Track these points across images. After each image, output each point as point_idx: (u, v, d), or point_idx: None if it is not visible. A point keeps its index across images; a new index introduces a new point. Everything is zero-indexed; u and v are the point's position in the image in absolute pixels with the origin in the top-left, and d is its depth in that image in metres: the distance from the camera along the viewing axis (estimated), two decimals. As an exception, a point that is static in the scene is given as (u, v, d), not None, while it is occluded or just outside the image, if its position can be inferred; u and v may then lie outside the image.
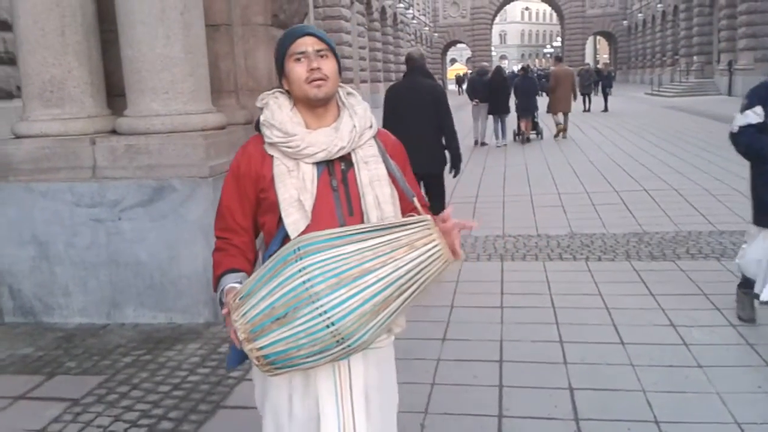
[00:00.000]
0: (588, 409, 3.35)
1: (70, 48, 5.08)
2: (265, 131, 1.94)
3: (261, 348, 1.70)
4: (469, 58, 68.85)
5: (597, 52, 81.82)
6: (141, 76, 4.94)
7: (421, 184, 5.55)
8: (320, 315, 1.64)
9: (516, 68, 21.56)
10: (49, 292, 4.98)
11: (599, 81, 26.42)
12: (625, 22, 62.11)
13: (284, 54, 1.94)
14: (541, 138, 16.89)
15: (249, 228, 2.02)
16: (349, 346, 1.70)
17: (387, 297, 1.68)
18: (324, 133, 1.92)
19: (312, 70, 1.88)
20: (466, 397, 3.53)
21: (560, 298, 4.96)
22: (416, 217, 1.81)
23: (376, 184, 1.94)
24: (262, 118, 1.96)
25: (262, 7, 5.87)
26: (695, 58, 36.37)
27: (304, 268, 1.66)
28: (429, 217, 1.79)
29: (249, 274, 1.95)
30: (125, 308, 4.88)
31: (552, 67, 18.67)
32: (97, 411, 3.57)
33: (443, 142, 5.99)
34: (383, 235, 1.72)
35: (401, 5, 42.79)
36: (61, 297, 4.97)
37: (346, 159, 1.95)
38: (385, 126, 6.89)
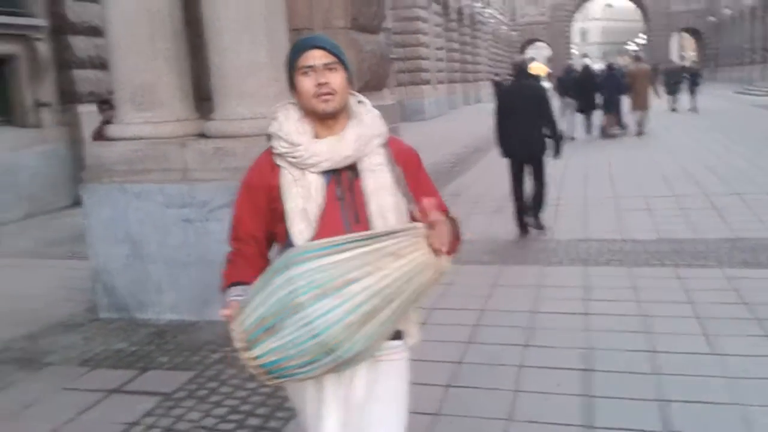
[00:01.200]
0: (681, 422, 3.22)
1: (160, 54, 5.26)
2: (273, 142, 1.96)
3: (257, 357, 1.71)
4: (549, 57, 67.59)
5: (682, 49, 78.91)
6: (228, 81, 5.08)
7: (525, 168, 7.30)
8: (305, 325, 1.64)
9: (601, 66, 21.24)
10: (142, 289, 5.18)
11: (686, 79, 25.40)
12: (712, 18, 59.60)
13: (293, 66, 1.94)
14: (625, 134, 16.65)
15: (261, 238, 2.03)
16: (339, 356, 1.68)
17: (374, 307, 1.67)
18: (328, 142, 1.92)
19: (319, 84, 1.89)
20: (551, 405, 3.46)
21: (648, 305, 4.79)
22: (408, 225, 1.81)
23: (381, 192, 1.93)
24: (270, 129, 1.98)
25: (342, 11, 5.94)
26: (788, 54, 34.52)
27: (290, 277, 1.67)
28: (419, 225, 1.77)
29: None
30: (214, 306, 4.96)
31: (630, 66, 18.86)
32: (188, 406, 3.68)
33: (544, 132, 7.17)
34: (371, 244, 1.71)
35: (478, 5, 42.41)
36: (154, 294, 5.16)
37: (353, 168, 1.95)
38: (497, 119, 7.34)
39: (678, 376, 3.70)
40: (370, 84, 6.38)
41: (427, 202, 1.81)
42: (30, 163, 10.43)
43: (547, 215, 7.69)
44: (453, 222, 1.90)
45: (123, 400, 3.84)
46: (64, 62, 11.23)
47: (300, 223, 1.89)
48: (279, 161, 1.96)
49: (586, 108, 16.09)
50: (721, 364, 3.81)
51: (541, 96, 7.23)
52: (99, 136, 8.43)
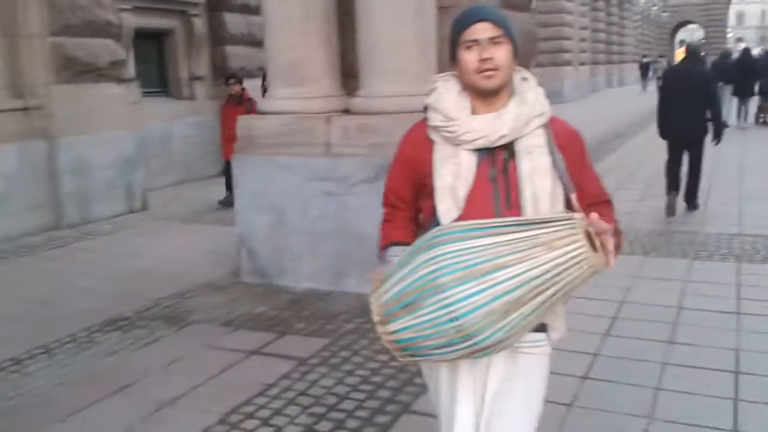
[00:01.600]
0: None
1: (312, 31, 5.40)
2: (430, 114, 1.89)
3: (393, 332, 1.68)
4: (702, 40, 63.40)
5: None
6: (374, 58, 5.14)
7: (685, 151, 7.43)
8: (444, 307, 1.58)
9: (759, 51, 19.70)
10: (282, 257, 5.41)
11: None
12: None
13: (456, 40, 1.83)
14: None
15: (412, 205, 1.99)
16: (475, 344, 1.61)
17: (519, 297, 1.57)
18: (486, 119, 1.82)
19: (483, 60, 1.77)
20: (696, 406, 3.28)
21: (811, 309, 4.42)
22: (564, 215, 1.68)
23: (537, 177, 1.81)
24: (428, 101, 1.90)
25: (491, -12, 5.83)
26: None
27: (435, 257, 1.61)
28: (579, 215, 1.64)
29: None
30: (349, 277, 5.15)
31: None
32: (321, 372, 3.81)
33: (706, 116, 7.30)
34: (523, 231, 1.60)
35: (629, -17, 40.42)
36: (293, 262, 5.37)
37: (510, 148, 1.83)
38: (661, 99, 7.49)
39: (843, 389, 3.39)
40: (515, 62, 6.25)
41: (594, 216, 1.67)
42: (183, 132, 11.11)
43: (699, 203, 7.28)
44: (618, 232, 1.79)
45: (262, 361, 4.03)
46: (218, 38, 11.82)
47: (447, 202, 1.82)
48: (433, 135, 1.88)
49: (743, 93, 15.44)
50: None
51: (707, 80, 7.47)
52: (226, 110, 8.81)
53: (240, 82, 9.02)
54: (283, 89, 5.53)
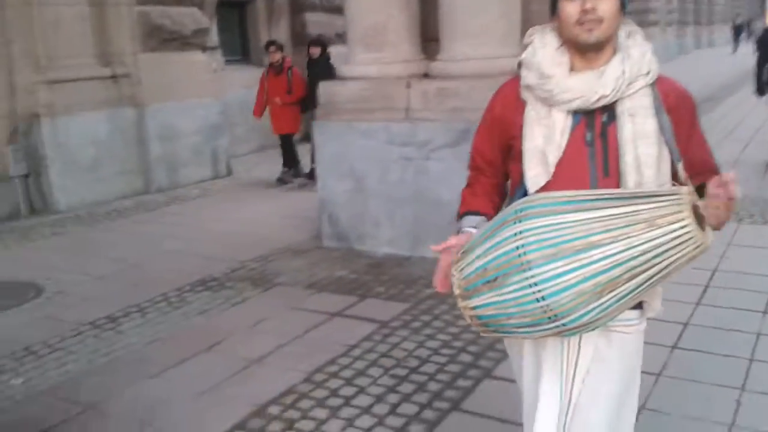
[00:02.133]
0: None
1: (392, -5, 5.35)
2: (523, 72, 1.75)
3: (474, 308, 1.60)
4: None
5: None
6: (455, 19, 5.06)
7: None
8: (530, 286, 1.48)
9: None
10: (361, 222, 5.45)
11: None
12: None
13: None
14: None
15: (499, 169, 1.87)
16: (564, 324, 1.51)
17: (614, 278, 1.45)
18: (585, 78, 1.66)
19: (585, 11, 1.61)
20: (793, 379, 3.15)
21: None
22: (668, 188, 1.54)
23: (641, 142, 1.65)
24: (523, 56, 1.76)
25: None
26: None
27: (520, 232, 1.50)
28: (685, 189, 1.49)
29: (494, 215, 1.80)
30: (427, 243, 5.10)
31: None
32: (402, 335, 3.85)
33: None
34: (621, 206, 1.47)
35: (722, -63, 38.18)
36: (372, 227, 5.41)
37: (611, 110, 1.68)
38: (758, 59, 7.42)
39: None
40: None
41: (727, 176, 1.48)
42: (263, 100, 11.26)
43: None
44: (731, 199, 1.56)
45: (344, 323, 4.10)
46: (298, 5, 11.88)
47: (536, 167, 1.69)
48: (525, 94, 1.75)
49: None
50: None
51: None
52: (266, 81, 8.39)
53: (280, 49, 8.52)
54: (363, 54, 5.52)
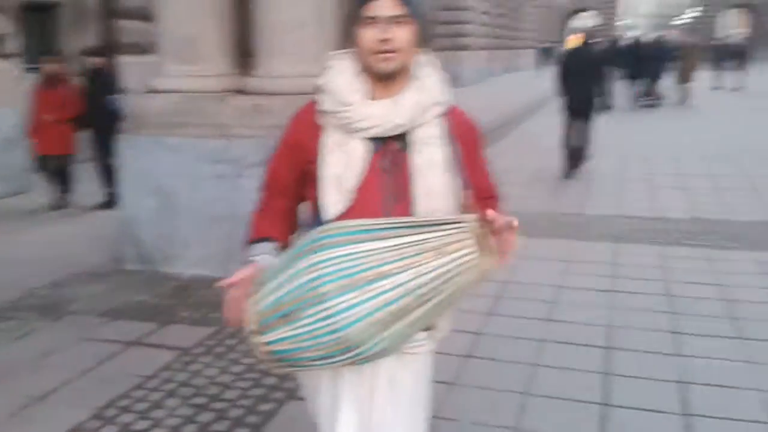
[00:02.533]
0: (700, 405, 3.20)
1: (206, 7, 5.25)
2: (321, 97, 1.75)
3: (268, 343, 1.58)
4: (595, 27, 66.00)
5: (735, 26, 76.36)
6: (270, 37, 5.07)
7: (578, 119, 8.76)
8: (325, 318, 1.49)
9: (650, 38, 22.20)
10: (168, 243, 5.25)
11: (734, 56, 24.66)
12: (770, -8, 57.39)
13: (356, 15, 1.70)
14: (661, 104, 17.80)
15: (293, 195, 1.86)
16: (357, 354, 1.54)
17: (404, 307, 1.49)
18: (382, 105, 1.69)
19: (382, 40, 1.64)
20: (570, 381, 3.45)
21: (677, 286, 4.73)
22: (456, 217, 1.60)
23: (431, 170, 1.70)
24: (319, 81, 1.75)
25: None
26: None
27: (316, 263, 1.51)
28: (471, 217, 1.56)
29: (284, 244, 1.83)
30: (240, 263, 5.06)
31: (679, 39, 21.25)
32: (205, 362, 3.72)
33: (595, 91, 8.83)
34: (412, 235, 1.51)
35: (527, -30, 41.50)
36: (180, 248, 5.22)
37: (405, 138, 1.72)
38: (562, 77, 8.53)
39: (700, 359, 3.66)
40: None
41: (491, 213, 1.58)
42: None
43: (580, 189, 7.65)
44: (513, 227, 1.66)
45: (142, 352, 3.89)
46: (109, 11, 11.28)
47: (334, 194, 1.69)
48: (323, 119, 1.74)
49: (632, 77, 17.47)
50: (744, 349, 3.75)
51: (601, 60, 9.47)
52: (39, 95, 7.40)
53: (60, 60, 7.71)
54: (175, 66, 5.36)
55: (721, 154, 10.29)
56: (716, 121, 14.43)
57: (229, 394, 3.37)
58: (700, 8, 64.73)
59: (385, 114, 1.68)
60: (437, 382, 3.25)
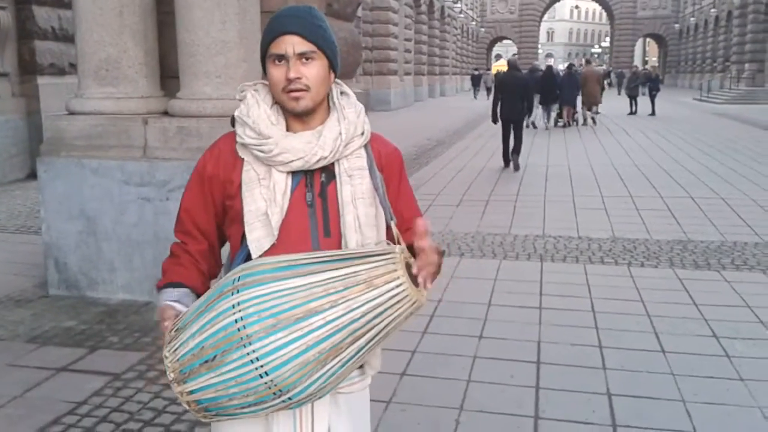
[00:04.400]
0: (626, 416, 3.31)
1: (127, 28, 5.16)
2: (238, 129, 1.67)
3: (191, 392, 1.48)
4: (514, 55, 68.23)
5: (646, 55, 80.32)
6: (195, 59, 5.00)
7: (511, 127, 11.88)
8: (252, 362, 1.40)
9: (562, 67, 24.75)
10: (94, 267, 5.09)
11: (646, 83, 26.01)
12: (676, 25, 60.82)
13: (264, 50, 1.64)
14: (578, 125, 20.50)
15: (211, 234, 1.76)
16: (290, 398, 1.46)
17: (336, 344, 1.42)
18: (303, 138, 1.63)
19: (289, 80, 1.59)
20: (502, 396, 3.52)
21: (601, 302, 4.90)
22: (383, 248, 1.52)
23: (360, 202, 1.65)
24: (237, 113, 1.68)
25: (317, -5, 5.89)
26: (747, 65, 35.51)
27: (238, 303, 1.42)
28: (398, 248, 1.50)
29: (201, 288, 1.72)
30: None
31: (582, 68, 23.16)
32: (137, 387, 3.63)
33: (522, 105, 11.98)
34: (340, 268, 1.45)
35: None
36: (106, 272, 5.07)
37: (329, 170, 1.67)
38: (495, 95, 12.07)
39: (624, 372, 3.79)
40: (340, 72, 6.35)
41: (421, 222, 1.52)
42: (-17, 133, 10.15)
43: (505, 211, 7.87)
44: (439, 252, 1.61)
45: (71, 379, 3.77)
46: (27, 32, 10.93)
47: (259, 230, 1.61)
48: (243, 152, 1.67)
49: (546, 101, 19.47)
50: (667, 362, 3.91)
51: (525, 82, 12.25)
52: None
53: None
54: (96, 88, 5.23)
55: (637, 175, 10.79)
56: (633, 146, 15.10)
57: (163, 419, 3.29)
58: (613, 37, 67.89)
59: (307, 146, 1.62)
60: (374, 400, 3.33)
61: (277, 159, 1.62)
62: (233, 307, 1.42)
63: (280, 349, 1.39)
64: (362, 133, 1.70)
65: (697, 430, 3.17)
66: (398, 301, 1.45)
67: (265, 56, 1.63)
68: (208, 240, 1.77)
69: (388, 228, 1.69)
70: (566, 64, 24.67)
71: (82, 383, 3.69)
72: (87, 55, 5.24)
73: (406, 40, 31.91)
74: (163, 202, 4.92)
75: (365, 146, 1.72)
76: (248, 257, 1.64)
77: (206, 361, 1.44)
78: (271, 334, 1.39)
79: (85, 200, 5.06)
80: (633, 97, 24.65)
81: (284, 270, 1.45)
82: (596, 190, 9.63)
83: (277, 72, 1.61)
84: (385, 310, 1.44)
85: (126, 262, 5.03)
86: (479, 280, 5.45)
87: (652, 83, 24.93)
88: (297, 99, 1.61)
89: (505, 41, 74.21)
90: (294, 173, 1.64)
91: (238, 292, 1.43)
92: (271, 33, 1.62)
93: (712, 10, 46.24)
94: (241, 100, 1.70)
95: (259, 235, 1.61)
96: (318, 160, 1.63)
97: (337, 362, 1.44)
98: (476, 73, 42.65)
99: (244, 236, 1.64)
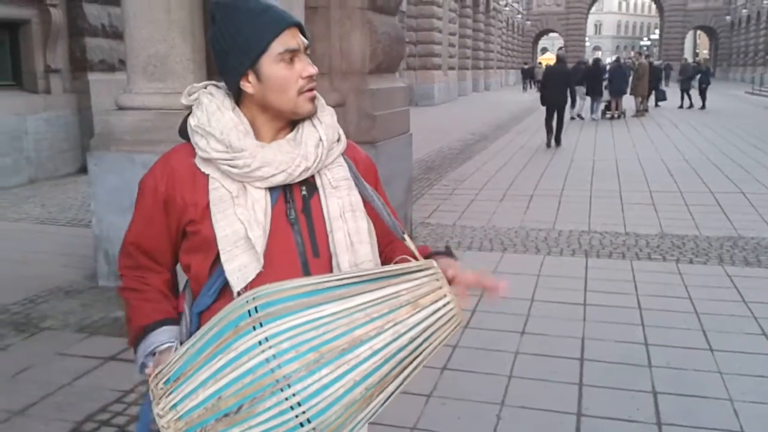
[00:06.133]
0: (671, 414, 3.25)
1: (175, 24, 5.25)
2: (199, 141, 1.41)
3: None
4: (560, 48, 67.36)
5: (697, 47, 78.40)
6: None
7: (555, 113, 13.96)
8: (292, 408, 1.15)
9: (611, 60, 25.92)
10: (142, 260, 5.19)
11: (696, 76, 25.39)
12: (728, 17, 59.21)
13: (262, 47, 1.38)
14: (624, 117, 20.63)
15: (169, 263, 1.52)
16: None
17: (384, 376, 1.20)
18: (281, 148, 1.41)
19: (310, 76, 1.40)
20: (544, 392, 3.49)
21: (647, 299, 4.81)
22: (418, 263, 1.32)
23: (350, 216, 1.45)
24: (192, 122, 1.43)
25: (361, -10, 5.91)
26: (802, 57, 34.43)
27: (266, 339, 1.16)
28: (434, 263, 1.31)
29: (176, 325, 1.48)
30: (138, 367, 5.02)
31: (636, 61, 23.61)
32: (183, 375, 3.71)
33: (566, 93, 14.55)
34: (377, 289, 1.24)
35: (494, -8, 42.28)
36: (154, 264, 5.17)
37: (309, 182, 1.46)
38: (543, 85, 14.88)
39: (671, 370, 3.72)
40: (383, 66, 6.37)
41: (457, 266, 1.37)
42: (37, 128, 10.44)
43: (550, 206, 7.83)
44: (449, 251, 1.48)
45: (119, 367, 3.86)
46: (77, 29, 11.21)
47: (241, 257, 1.37)
48: (206, 168, 1.42)
49: (593, 93, 19.89)
50: (715, 360, 3.83)
51: (568, 74, 14.72)
52: None
53: None
54: (145, 84, 5.34)
55: (686, 170, 10.57)
56: (682, 140, 14.77)
57: (206, 408, 3.34)
58: (663, 30, 66.43)
59: (288, 158, 1.40)
60: (414, 394, 3.35)
61: (256, 174, 1.39)
62: (260, 343, 1.16)
63: (325, 389, 1.16)
64: (339, 139, 1.50)
65: (745, 430, 3.10)
66: (447, 322, 1.27)
67: (259, 54, 1.38)
68: (167, 269, 1.53)
69: (388, 245, 1.54)
70: (614, 57, 25.91)
71: (129, 372, 3.76)
72: (135, 51, 5.35)
73: (451, 34, 31.72)
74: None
75: (343, 154, 1.52)
76: (221, 291, 1.42)
77: (226, 415, 1.18)
78: (314, 372, 1.16)
79: (134, 194, 5.09)
80: (685, 91, 24.16)
81: (312, 295, 1.21)
82: (644, 185, 9.44)
83: (287, 71, 1.39)
84: (434, 332, 1.25)
85: (172, 255, 5.12)
86: (522, 276, 5.40)
87: (702, 76, 24.31)
88: (312, 99, 1.43)
89: (551, 34, 73.26)
90: (272, 189, 1.42)
91: (261, 325, 1.17)
92: (275, 25, 1.39)
93: (765, 2, 44.91)
94: (190, 106, 1.47)
95: (241, 263, 1.37)
96: (301, 172, 1.42)
97: (382, 398, 1.24)
98: (526, 67, 45.50)
99: (214, 266, 1.41)
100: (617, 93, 20.45)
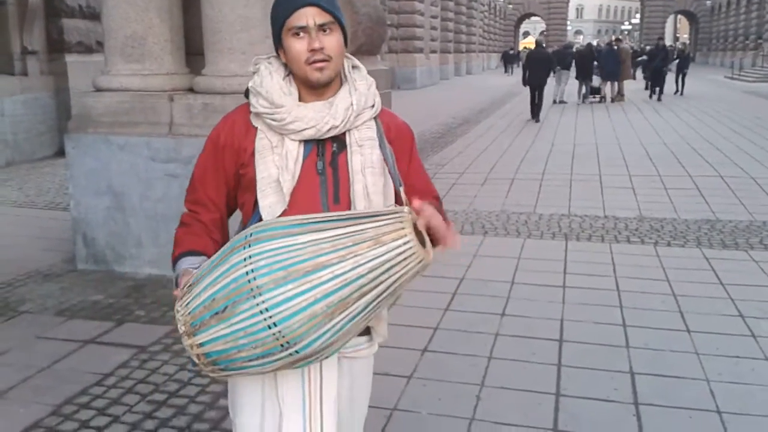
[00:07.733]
0: (649, 394, 3.30)
1: (153, 5, 5.18)
2: (252, 99, 1.72)
3: (201, 345, 1.51)
4: (542, 32, 67.31)
5: (677, 32, 78.77)
6: (220, 36, 5.01)
7: (536, 92, 16.09)
8: (261, 312, 1.43)
9: (601, 43, 26.72)
10: (121, 242, 5.17)
11: (676, 61, 25.38)
12: (708, 2, 59.50)
13: (281, 25, 1.67)
14: (605, 101, 20.87)
15: (221, 204, 1.81)
16: (296, 352, 1.47)
17: (344, 298, 1.44)
18: (315, 107, 1.68)
19: (314, 50, 1.63)
20: (524, 373, 3.52)
21: (626, 281, 4.86)
22: (390, 208, 1.58)
23: (368, 171, 1.71)
24: (250, 84, 1.73)
25: (340, -29, 5.86)
26: (781, 42, 34.71)
27: (249, 257, 1.46)
28: (406, 208, 1.52)
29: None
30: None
31: (615, 46, 23.13)
32: (163, 359, 3.70)
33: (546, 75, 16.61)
34: (348, 226, 1.48)
35: (476, -25, 42.12)
36: (133, 247, 5.15)
37: (340, 140, 1.72)
38: (525, 67, 17.24)
39: (648, 350, 3.77)
40: (364, 48, 6.33)
41: (419, 203, 1.54)
42: (14, 110, 10.29)
43: (531, 190, 7.88)
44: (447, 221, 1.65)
45: (98, 351, 3.84)
46: (54, 10, 11.03)
47: (271, 196, 1.67)
48: (256, 121, 1.72)
49: (584, 77, 20.65)
50: (692, 341, 3.88)
51: (549, 58, 16.95)
52: None
53: None
54: (122, 65, 5.27)
55: (665, 154, 10.64)
56: (662, 125, 14.87)
57: (188, 391, 3.35)
58: (643, 14, 66.63)
59: (319, 116, 1.67)
60: (395, 375, 3.37)
61: (290, 127, 1.67)
62: (245, 260, 1.46)
63: (288, 300, 1.42)
64: (372, 106, 1.75)
65: (721, 410, 3.15)
66: (405, 258, 1.46)
67: (281, 31, 1.67)
68: (219, 211, 1.81)
69: (397, 197, 1.74)
70: (608, 41, 26.18)
71: (108, 355, 3.76)
72: (113, 31, 5.28)
73: (432, 17, 31.61)
74: (189, 178, 4.94)
75: (375, 119, 1.76)
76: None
77: (217, 313, 1.47)
78: (280, 285, 1.42)
79: (112, 176, 5.12)
80: (653, 79, 21.85)
81: (294, 227, 1.49)
82: (624, 169, 9.51)
83: (298, 44, 1.65)
84: (393, 266, 1.46)
85: (153, 238, 5.09)
86: (503, 259, 5.43)
87: (681, 61, 24.26)
88: (321, 69, 1.65)
89: (533, 18, 73.24)
90: (306, 142, 1.69)
91: (250, 246, 1.47)
92: (289, 6, 1.65)
93: (746, -14, 45.16)
94: (254, 73, 1.75)
95: (271, 201, 1.67)
96: (329, 129, 1.68)
97: (345, 317, 1.46)
98: (511, 52, 47.68)
99: (256, 203, 1.69)
100: (610, 76, 20.60)
